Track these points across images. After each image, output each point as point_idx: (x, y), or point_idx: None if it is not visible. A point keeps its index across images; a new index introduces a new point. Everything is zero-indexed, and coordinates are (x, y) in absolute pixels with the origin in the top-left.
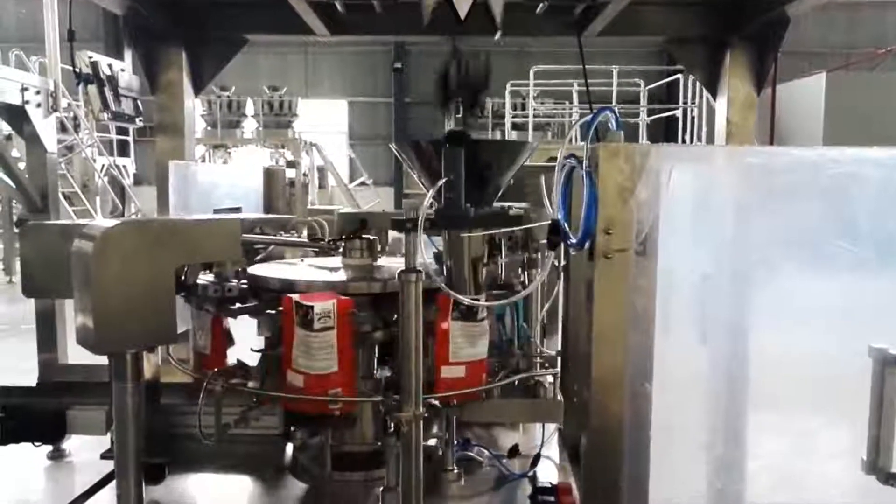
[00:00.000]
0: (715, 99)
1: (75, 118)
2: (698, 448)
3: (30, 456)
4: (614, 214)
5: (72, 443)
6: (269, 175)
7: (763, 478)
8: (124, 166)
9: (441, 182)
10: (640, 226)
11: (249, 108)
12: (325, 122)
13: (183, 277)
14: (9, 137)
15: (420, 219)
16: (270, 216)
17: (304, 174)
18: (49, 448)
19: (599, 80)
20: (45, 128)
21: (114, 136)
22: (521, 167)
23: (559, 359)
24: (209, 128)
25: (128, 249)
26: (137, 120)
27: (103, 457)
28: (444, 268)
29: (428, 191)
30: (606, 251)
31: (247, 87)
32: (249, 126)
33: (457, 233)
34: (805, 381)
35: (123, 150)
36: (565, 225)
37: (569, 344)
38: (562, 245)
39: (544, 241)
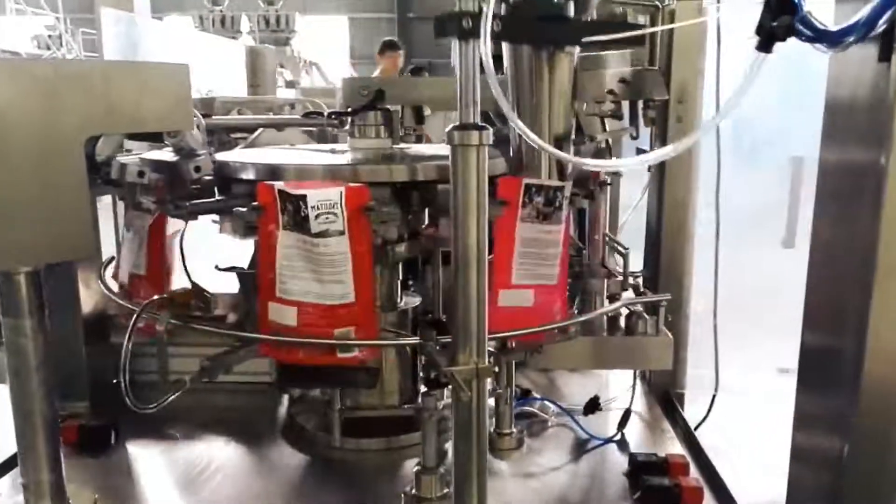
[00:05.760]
0: None
1: (60, 36)
2: None
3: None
4: None
5: None
6: (254, 55)
7: None
8: None
9: None
10: None
11: (244, 25)
12: (325, 41)
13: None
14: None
15: (486, 16)
16: (254, 97)
17: None
18: None
19: None
20: None
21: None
22: None
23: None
24: None
25: (3, 103)
26: None
27: None
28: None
29: None
30: None
31: (240, 1)
32: (245, 44)
33: (538, 55)
34: None
35: None
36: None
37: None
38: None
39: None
